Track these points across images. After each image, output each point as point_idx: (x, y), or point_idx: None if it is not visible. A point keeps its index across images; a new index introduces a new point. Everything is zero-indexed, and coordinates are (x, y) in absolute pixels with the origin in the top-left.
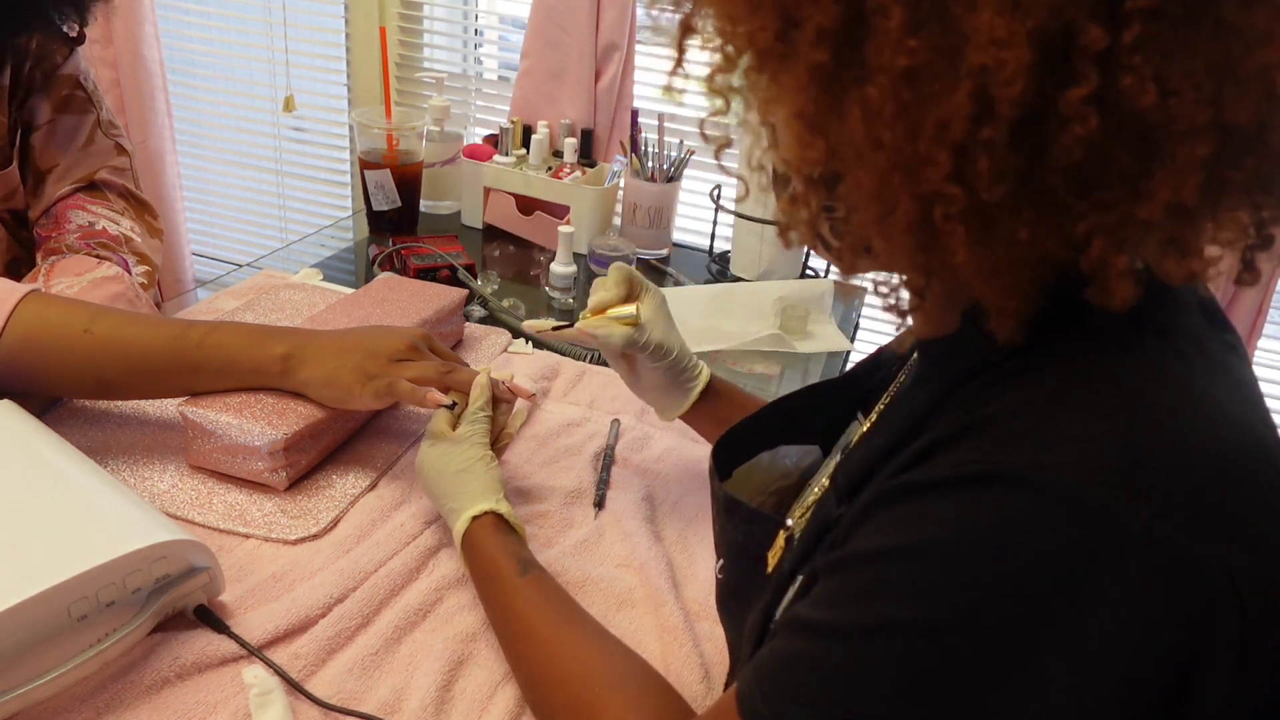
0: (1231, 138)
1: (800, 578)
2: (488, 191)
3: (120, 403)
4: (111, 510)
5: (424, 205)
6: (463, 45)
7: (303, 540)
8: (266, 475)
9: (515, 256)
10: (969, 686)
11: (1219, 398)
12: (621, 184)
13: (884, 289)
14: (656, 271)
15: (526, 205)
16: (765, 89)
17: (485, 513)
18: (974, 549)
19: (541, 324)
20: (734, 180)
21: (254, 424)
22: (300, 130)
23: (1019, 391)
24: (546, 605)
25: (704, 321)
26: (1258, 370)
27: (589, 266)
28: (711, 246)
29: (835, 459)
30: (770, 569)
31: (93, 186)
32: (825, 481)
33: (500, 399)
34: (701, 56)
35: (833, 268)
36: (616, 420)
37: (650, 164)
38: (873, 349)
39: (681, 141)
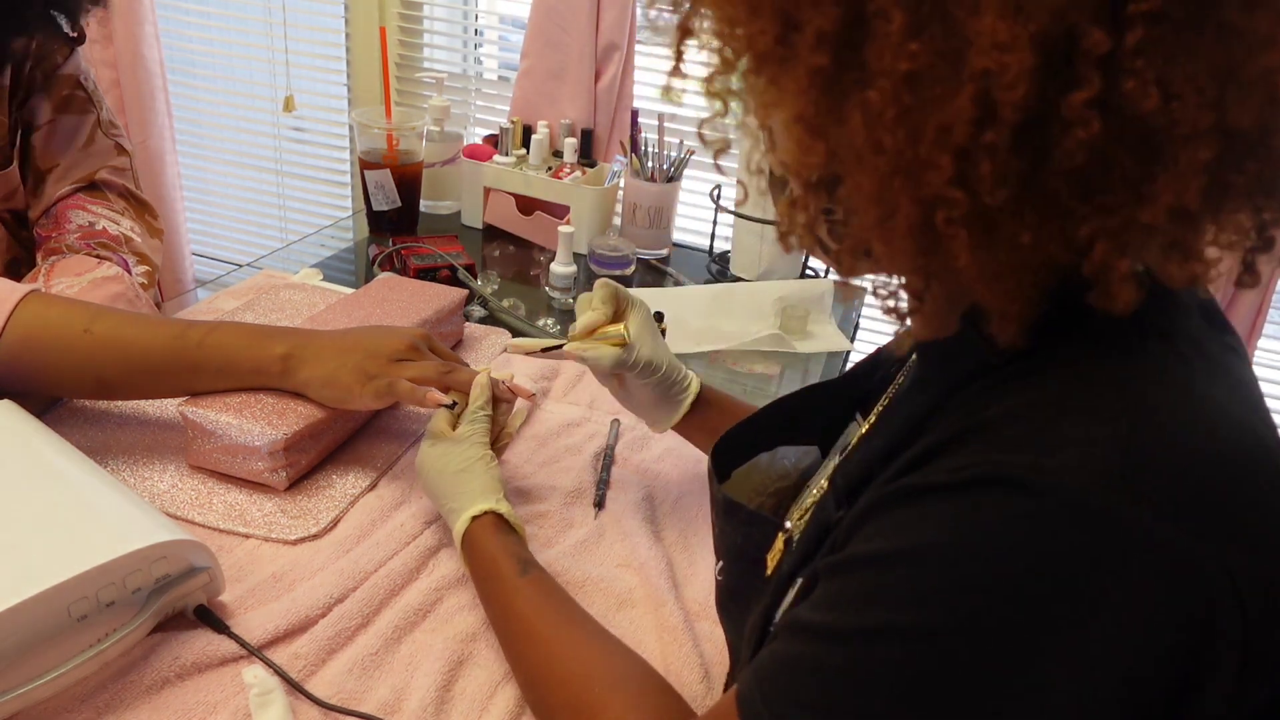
0: (1234, 141)
1: (800, 580)
2: (488, 191)
3: (120, 403)
4: (111, 510)
5: (424, 205)
6: (463, 45)
7: (303, 540)
8: (266, 475)
9: (515, 256)
10: (969, 690)
11: (1219, 399)
12: (621, 184)
13: (883, 292)
14: (656, 271)
15: (526, 205)
16: (764, 92)
17: (485, 512)
18: (974, 553)
19: (529, 344)
20: (734, 180)
21: (254, 424)
22: (300, 130)
23: (1020, 395)
24: (546, 605)
25: (704, 321)
26: (1258, 370)
27: (589, 266)
28: (711, 246)
29: (834, 461)
30: (769, 571)
31: (93, 186)
32: (824, 483)
33: (500, 399)
34: (702, 58)
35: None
36: (616, 420)
37: (650, 164)
38: (872, 349)
39: (681, 141)
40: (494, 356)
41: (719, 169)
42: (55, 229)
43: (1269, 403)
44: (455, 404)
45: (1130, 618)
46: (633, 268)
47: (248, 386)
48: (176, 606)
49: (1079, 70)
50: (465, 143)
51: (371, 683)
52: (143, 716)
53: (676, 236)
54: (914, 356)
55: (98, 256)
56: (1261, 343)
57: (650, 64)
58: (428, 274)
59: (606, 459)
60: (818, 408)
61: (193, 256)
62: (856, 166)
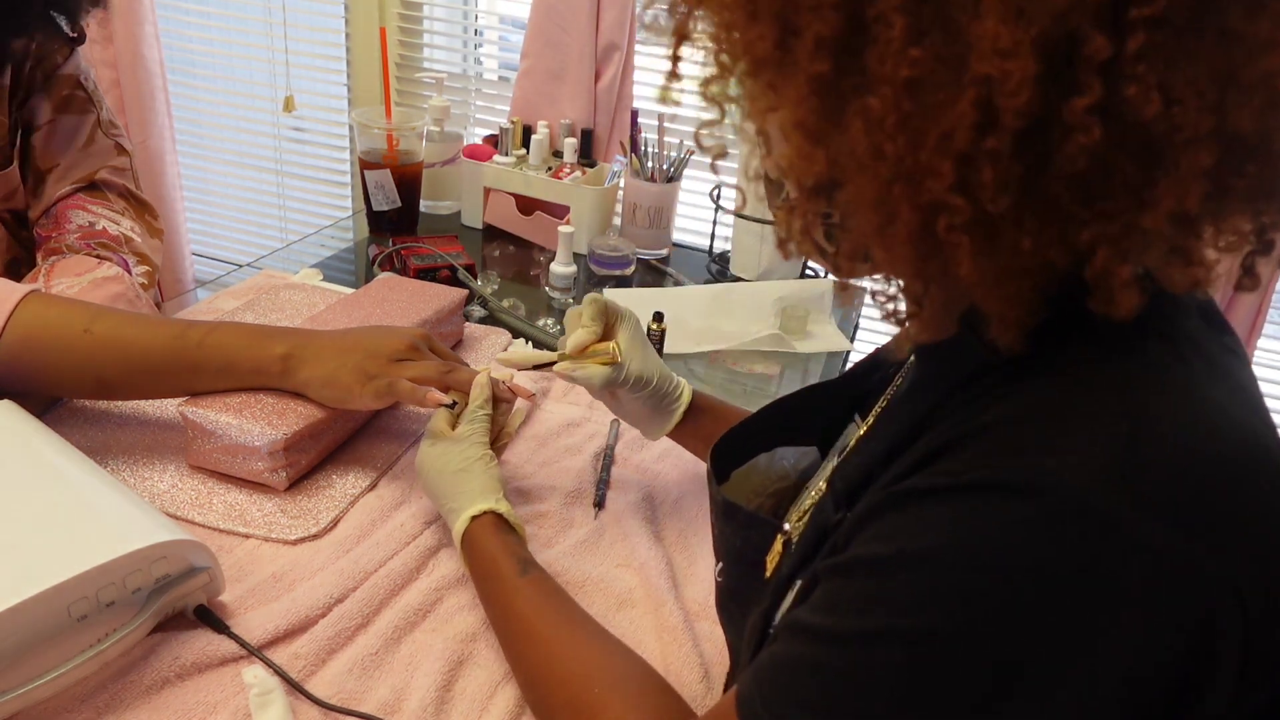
0: (1234, 145)
1: (799, 582)
2: (488, 191)
3: (120, 403)
4: (111, 510)
5: (424, 205)
6: (463, 45)
7: (303, 540)
8: (266, 475)
9: (515, 256)
10: (969, 693)
11: (1219, 401)
12: (621, 184)
13: (881, 296)
14: (656, 271)
15: (526, 205)
16: (763, 98)
17: (485, 512)
18: (974, 556)
19: (520, 360)
20: (734, 182)
21: (254, 424)
22: (300, 130)
23: (1020, 398)
24: (546, 605)
25: (704, 321)
26: (1258, 371)
27: (589, 266)
28: (711, 246)
29: (832, 462)
30: (769, 573)
31: (93, 186)
32: (822, 485)
33: (500, 398)
34: (700, 60)
35: None
36: (616, 420)
37: (650, 164)
38: (872, 349)
39: (681, 142)
40: (494, 356)
41: (715, 171)
42: (55, 229)
43: (1269, 403)
44: (455, 404)
45: (1131, 619)
46: (633, 268)
47: (248, 386)
48: (176, 606)
49: (1080, 76)
50: (465, 143)
51: (371, 683)
52: (143, 716)
53: (676, 236)
54: (912, 358)
55: (98, 256)
56: (1261, 343)
57: (650, 64)
58: (428, 274)
59: (606, 459)
60: (817, 408)
61: (193, 256)
62: (857, 173)
